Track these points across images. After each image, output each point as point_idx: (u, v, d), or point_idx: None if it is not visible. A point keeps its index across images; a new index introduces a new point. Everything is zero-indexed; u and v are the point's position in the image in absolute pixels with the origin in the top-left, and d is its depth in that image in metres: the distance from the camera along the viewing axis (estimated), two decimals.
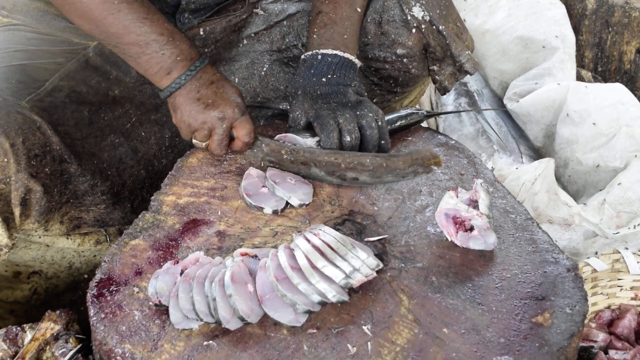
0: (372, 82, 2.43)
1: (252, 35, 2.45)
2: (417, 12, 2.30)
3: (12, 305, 2.28)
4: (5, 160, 1.96)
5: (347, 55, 2.18)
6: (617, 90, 2.99)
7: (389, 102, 2.50)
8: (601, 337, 2.26)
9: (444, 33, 2.32)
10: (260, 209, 1.94)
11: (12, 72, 2.14)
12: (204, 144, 2.08)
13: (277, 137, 2.11)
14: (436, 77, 2.42)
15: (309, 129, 2.12)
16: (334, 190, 2.01)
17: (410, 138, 2.20)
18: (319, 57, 2.18)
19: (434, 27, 2.31)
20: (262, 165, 2.07)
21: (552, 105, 3.07)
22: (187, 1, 2.28)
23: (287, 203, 1.95)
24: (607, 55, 3.41)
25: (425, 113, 2.28)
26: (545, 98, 3.09)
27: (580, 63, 3.47)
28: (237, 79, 2.44)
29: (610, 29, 3.36)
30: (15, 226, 2.03)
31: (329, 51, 2.18)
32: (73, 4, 2.00)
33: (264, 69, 2.46)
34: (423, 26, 2.31)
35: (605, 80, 3.41)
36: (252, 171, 2.03)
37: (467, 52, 2.39)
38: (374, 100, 2.45)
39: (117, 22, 1.98)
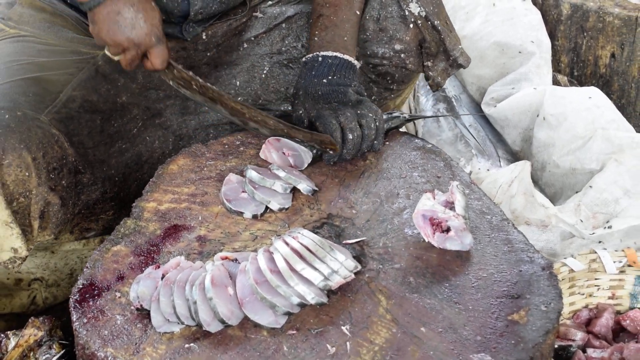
0: (370, 79, 2.46)
1: (252, 38, 2.48)
2: (414, 7, 2.35)
3: (5, 314, 2.30)
4: (27, 174, 1.98)
5: (347, 57, 2.23)
6: (593, 94, 3.02)
7: (385, 100, 2.54)
8: (579, 336, 2.28)
9: (439, 28, 2.37)
10: (240, 213, 1.97)
11: (28, 84, 2.16)
12: (116, 57, 2.08)
13: (269, 139, 2.15)
14: (429, 72, 2.46)
15: (311, 128, 2.16)
16: (313, 194, 2.03)
17: (387, 142, 2.23)
18: (320, 58, 2.22)
19: (429, 22, 2.36)
20: (174, 86, 2.13)
21: (529, 110, 3.10)
22: (196, 12, 2.31)
23: (267, 207, 1.98)
24: (582, 59, 3.45)
25: (407, 117, 2.31)
26: (522, 102, 3.12)
27: (557, 68, 3.51)
28: (238, 82, 2.47)
29: (585, 34, 3.40)
30: (32, 238, 2.05)
31: (330, 53, 2.23)
32: None
33: (264, 71, 2.49)
34: (419, 22, 2.35)
35: (581, 84, 3.45)
36: (232, 177, 2.05)
37: (460, 47, 2.44)
38: (372, 99, 2.49)
39: None
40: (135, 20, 2.00)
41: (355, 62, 2.26)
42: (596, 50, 3.40)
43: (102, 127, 2.25)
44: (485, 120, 3.31)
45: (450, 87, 3.44)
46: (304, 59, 2.28)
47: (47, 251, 2.25)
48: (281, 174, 2.03)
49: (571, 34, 3.44)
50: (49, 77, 2.21)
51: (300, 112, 2.19)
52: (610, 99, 3.10)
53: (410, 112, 3.37)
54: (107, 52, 2.09)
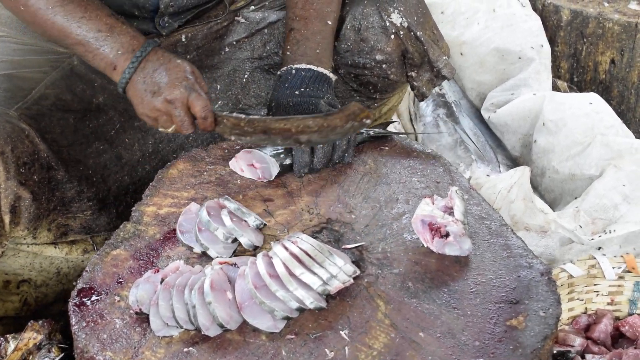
0: (352, 88, 2.46)
1: (234, 42, 2.48)
2: (396, 18, 2.34)
3: (2, 318, 2.30)
4: None
5: (320, 69, 2.23)
6: (592, 100, 3.03)
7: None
8: (578, 341, 2.28)
9: (422, 39, 2.36)
10: (191, 248, 1.89)
11: None
12: (170, 129, 2.07)
13: (242, 151, 2.12)
14: (414, 83, 2.45)
15: None
16: (312, 199, 2.04)
17: (387, 147, 2.23)
18: (293, 71, 2.22)
19: (412, 33, 2.36)
20: (233, 139, 2.09)
21: (528, 115, 3.11)
22: (166, 5, 2.30)
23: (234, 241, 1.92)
24: (582, 65, 3.46)
25: (371, 133, 2.27)
26: (522, 108, 3.13)
27: (556, 74, 3.51)
28: (219, 86, 2.47)
29: (585, 40, 3.40)
30: (5, 234, 2.06)
31: (303, 65, 2.22)
32: (23, 10, 2.04)
33: (246, 76, 2.49)
34: (401, 32, 2.35)
35: (581, 90, 3.45)
36: (193, 207, 1.99)
37: (444, 58, 2.43)
38: None
39: (56, 25, 2.01)
40: (163, 82, 2.01)
41: (330, 74, 2.25)
42: (596, 56, 3.40)
43: (76, 126, 2.25)
44: (485, 125, 3.32)
45: (450, 92, 3.44)
46: (278, 73, 2.27)
47: (30, 253, 2.25)
48: (227, 221, 1.89)
49: (571, 40, 3.45)
50: (22, 74, 2.22)
51: None
52: (610, 105, 3.11)
53: (410, 117, 3.37)
54: (161, 130, 2.07)
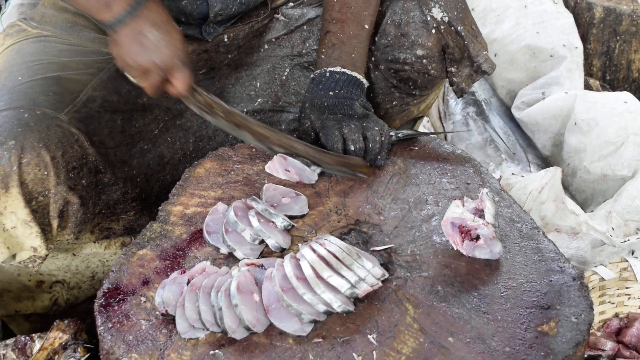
0: (392, 84, 2.44)
1: (273, 40, 2.47)
2: (437, 13, 2.32)
3: (30, 315, 2.30)
4: (46, 173, 1.98)
5: (354, 74, 2.22)
6: (625, 99, 2.99)
7: (407, 106, 2.52)
8: (609, 345, 2.25)
9: (462, 34, 2.34)
10: (217, 249, 1.88)
11: (48, 84, 2.16)
12: (135, 80, 2.05)
13: (276, 157, 2.10)
14: (454, 78, 2.43)
15: (317, 140, 2.15)
16: (340, 200, 2.02)
17: (416, 148, 2.21)
18: (327, 74, 2.22)
19: (452, 28, 2.33)
20: (199, 113, 2.08)
21: (560, 114, 3.08)
22: (215, 14, 2.31)
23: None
24: (615, 63, 3.41)
25: (400, 136, 2.25)
26: (553, 107, 3.09)
27: (589, 72, 3.47)
28: (258, 84, 2.46)
29: (618, 38, 3.36)
30: (52, 237, 2.06)
31: (337, 69, 2.22)
32: None
33: (285, 73, 2.48)
34: (442, 27, 2.33)
35: (614, 88, 3.42)
36: (220, 207, 1.97)
37: (484, 53, 2.41)
38: (394, 103, 2.48)
39: None
40: (159, 43, 1.97)
41: (364, 80, 2.25)
42: (629, 54, 3.36)
43: (123, 127, 2.25)
44: (515, 124, 3.28)
45: (480, 90, 3.41)
46: (312, 75, 2.27)
47: (69, 253, 2.25)
48: (254, 222, 1.87)
49: (604, 37, 3.40)
50: (70, 76, 2.21)
51: (307, 124, 2.18)
52: None
53: (440, 115, 3.35)
54: (128, 76, 2.06)
